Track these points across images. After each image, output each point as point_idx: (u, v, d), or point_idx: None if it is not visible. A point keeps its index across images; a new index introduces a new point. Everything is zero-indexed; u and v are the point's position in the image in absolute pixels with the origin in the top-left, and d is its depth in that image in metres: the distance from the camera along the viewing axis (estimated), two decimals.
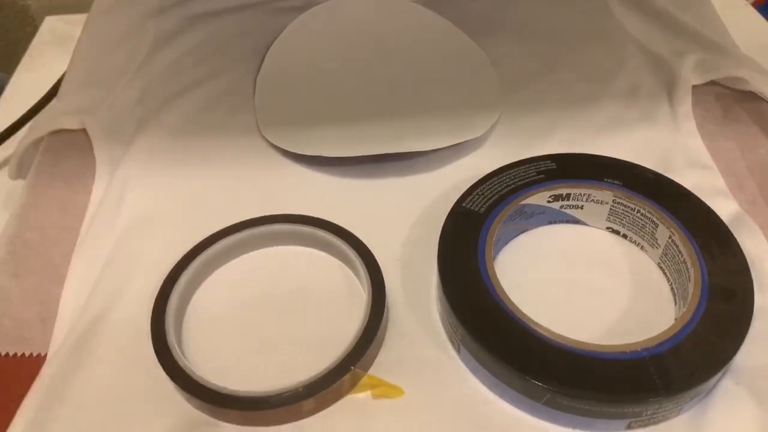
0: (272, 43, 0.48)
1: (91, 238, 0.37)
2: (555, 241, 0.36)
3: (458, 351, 0.31)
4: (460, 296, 0.31)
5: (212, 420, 0.29)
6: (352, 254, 0.34)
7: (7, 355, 0.32)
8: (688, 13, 0.49)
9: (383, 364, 0.31)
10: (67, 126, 0.43)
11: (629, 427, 0.28)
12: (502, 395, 0.30)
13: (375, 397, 0.30)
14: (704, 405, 0.29)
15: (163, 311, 0.32)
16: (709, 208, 0.34)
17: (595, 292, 0.34)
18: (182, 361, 0.30)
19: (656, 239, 0.34)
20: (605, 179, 0.35)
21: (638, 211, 0.34)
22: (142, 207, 0.38)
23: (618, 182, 0.35)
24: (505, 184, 0.35)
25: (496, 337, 0.29)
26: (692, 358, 0.28)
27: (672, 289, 0.33)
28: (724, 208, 0.36)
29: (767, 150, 0.41)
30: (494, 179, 0.36)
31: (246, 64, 0.48)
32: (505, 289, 0.31)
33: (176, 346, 0.31)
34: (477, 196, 0.35)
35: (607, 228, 0.36)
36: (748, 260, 0.31)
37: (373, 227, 0.35)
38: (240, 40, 0.50)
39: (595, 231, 0.37)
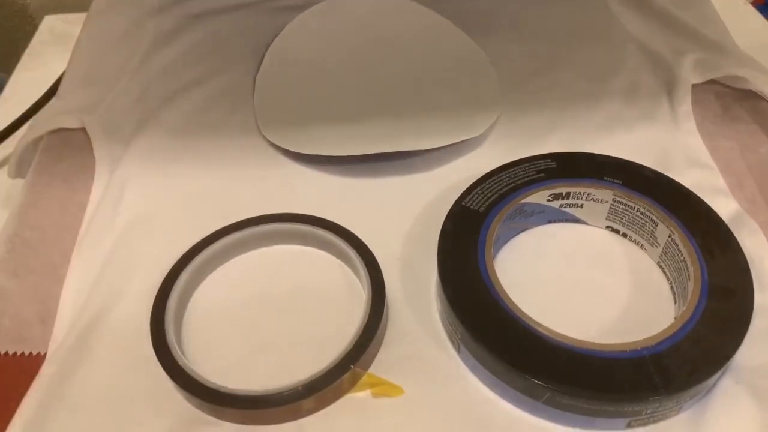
0: (272, 42, 0.48)
1: (90, 237, 0.37)
2: (555, 240, 0.36)
3: (458, 350, 0.31)
4: (459, 295, 0.31)
5: (212, 419, 0.29)
6: (351, 253, 0.34)
7: (6, 354, 0.32)
8: (688, 12, 0.49)
9: (383, 363, 0.31)
10: (67, 125, 0.43)
11: (629, 425, 0.28)
12: (501, 394, 0.30)
13: (375, 396, 0.30)
14: (704, 404, 0.29)
15: (163, 310, 0.32)
16: (708, 207, 0.34)
17: (594, 291, 0.34)
18: (182, 360, 0.30)
19: (656, 238, 0.34)
20: (605, 178, 0.35)
21: (638, 210, 0.34)
22: (142, 206, 0.38)
23: (618, 181, 0.35)
24: (504, 183, 0.35)
25: (496, 336, 0.29)
26: (692, 357, 0.28)
27: (672, 288, 0.33)
28: (724, 207, 0.36)
29: (767, 149, 0.41)
30: (494, 178, 0.36)
31: (245, 64, 0.48)
32: (505, 288, 0.31)
33: (176, 345, 0.31)
34: (477, 195, 0.35)
35: (607, 227, 0.36)
36: (748, 259, 0.31)
37: (372, 226, 0.35)
38: (239, 39, 0.50)
39: (595, 230, 0.37)
